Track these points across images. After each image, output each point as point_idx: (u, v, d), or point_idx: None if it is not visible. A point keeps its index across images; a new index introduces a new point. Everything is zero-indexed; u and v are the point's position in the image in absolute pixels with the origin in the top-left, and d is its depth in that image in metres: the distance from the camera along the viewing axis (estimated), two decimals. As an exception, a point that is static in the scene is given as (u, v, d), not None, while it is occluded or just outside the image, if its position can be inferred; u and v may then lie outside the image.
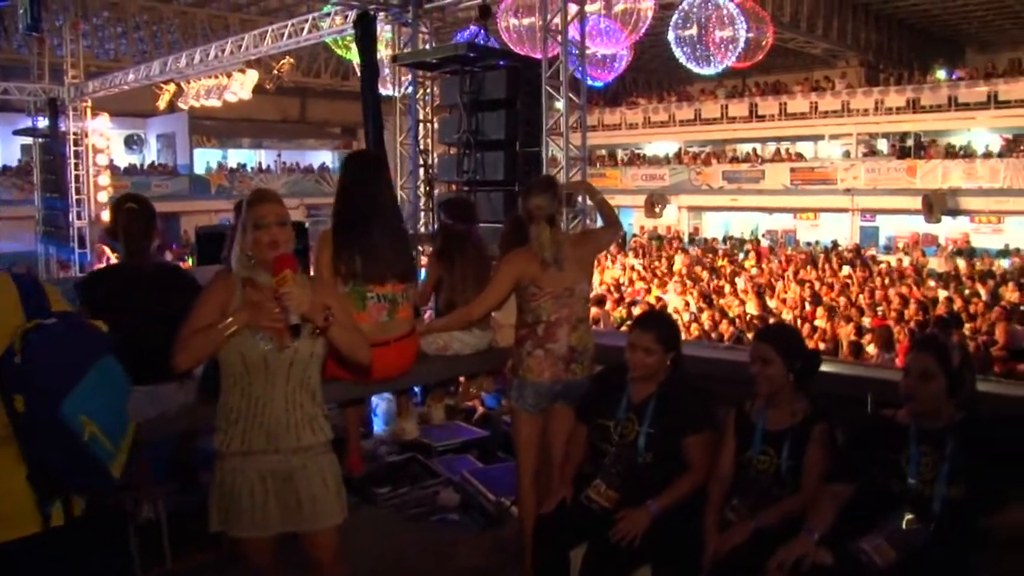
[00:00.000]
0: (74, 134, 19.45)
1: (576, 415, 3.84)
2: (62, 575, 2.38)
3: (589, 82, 17.07)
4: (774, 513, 3.21)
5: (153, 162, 33.38)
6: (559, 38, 9.17)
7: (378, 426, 6.03)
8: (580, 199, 9.18)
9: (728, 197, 29.39)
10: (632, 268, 21.56)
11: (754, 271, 20.21)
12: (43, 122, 20.01)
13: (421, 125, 11.21)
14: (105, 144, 20.54)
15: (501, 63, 9.44)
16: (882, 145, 28.32)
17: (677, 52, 15.32)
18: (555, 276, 3.87)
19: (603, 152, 33.94)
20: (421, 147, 11.22)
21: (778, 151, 29.99)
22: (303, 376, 2.86)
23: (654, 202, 29.82)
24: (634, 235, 30.06)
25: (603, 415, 3.68)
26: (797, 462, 3.25)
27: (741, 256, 23.70)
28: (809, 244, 27.15)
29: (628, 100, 33.76)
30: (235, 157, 35.74)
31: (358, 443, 4.34)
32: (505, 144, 9.44)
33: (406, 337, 4.03)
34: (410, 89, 11.23)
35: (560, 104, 9.28)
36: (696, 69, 15.70)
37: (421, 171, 11.18)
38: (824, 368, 3.61)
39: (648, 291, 17.92)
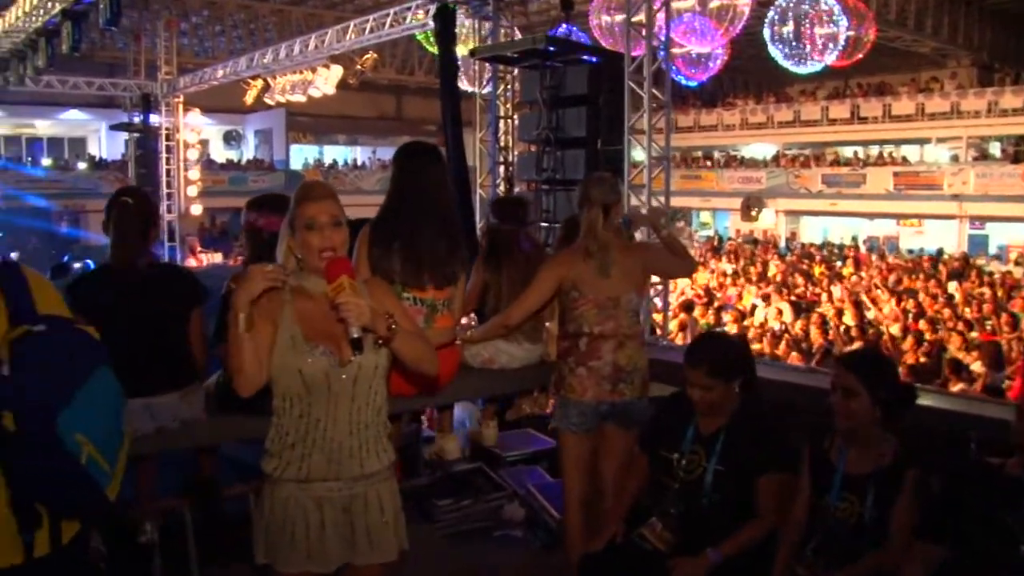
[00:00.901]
0: (166, 129, 19.84)
1: (638, 443, 3.44)
2: None
3: (683, 81, 16.61)
4: (853, 572, 2.75)
5: (251, 158, 33.93)
6: (644, 32, 8.70)
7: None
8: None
9: (827, 201, 28.30)
10: (724, 273, 20.86)
11: (853, 279, 19.28)
12: (139, 118, 20.34)
13: (502, 122, 10.88)
14: (196, 139, 20.87)
15: (583, 58, 9.04)
16: (994, 149, 26.84)
17: (773, 50, 14.64)
18: (599, 282, 3.56)
19: (699, 153, 33.19)
20: (501, 144, 10.89)
21: (881, 155, 28.75)
22: (368, 393, 2.55)
23: (750, 205, 29.01)
24: (729, 239, 29.22)
25: (667, 446, 3.27)
26: (882, 512, 2.77)
27: (839, 263, 22.67)
28: (912, 252, 25.86)
29: (725, 101, 32.88)
30: (331, 153, 36.18)
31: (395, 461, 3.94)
32: (586, 142, 9.08)
33: (445, 348, 3.65)
34: (490, 85, 10.89)
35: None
36: (792, 68, 14.99)
37: (501, 169, 10.85)
38: (921, 400, 3.11)
39: (740, 297, 17.28)
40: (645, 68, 8.64)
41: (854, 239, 28.39)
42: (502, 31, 10.76)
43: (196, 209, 22.18)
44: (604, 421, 3.66)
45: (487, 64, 10.74)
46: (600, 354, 3.58)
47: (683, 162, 31.66)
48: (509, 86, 10.86)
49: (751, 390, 3.21)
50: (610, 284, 3.59)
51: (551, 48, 8.80)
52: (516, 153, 10.94)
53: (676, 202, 30.55)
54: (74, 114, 29.12)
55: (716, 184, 30.70)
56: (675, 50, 15.25)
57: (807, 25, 14.40)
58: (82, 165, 28.03)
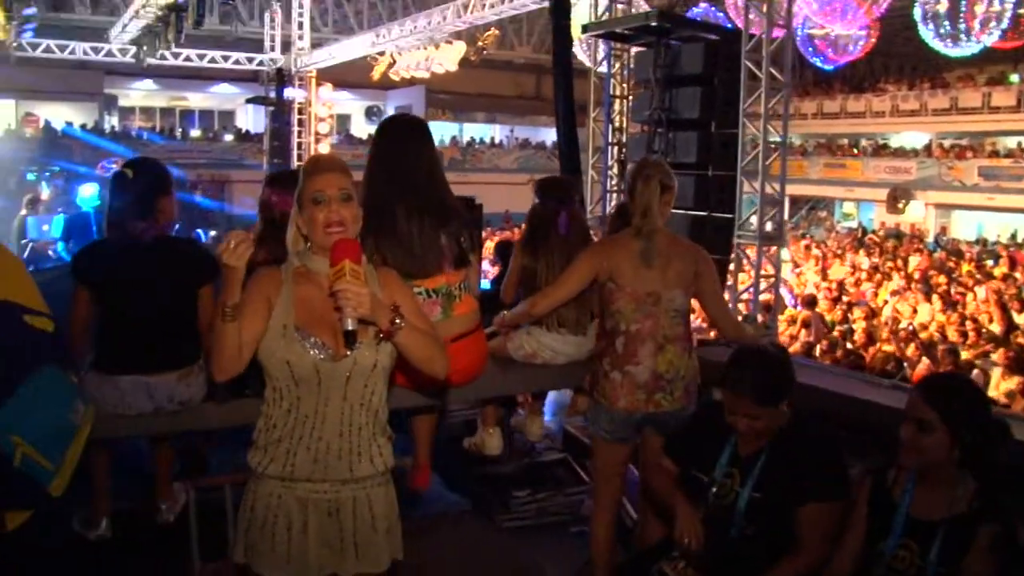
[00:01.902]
0: (299, 104, 20.24)
1: (664, 446, 3.08)
2: None
3: (819, 63, 15.71)
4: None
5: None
6: (765, 9, 8.14)
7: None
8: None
9: (983, 195, 26.42)
10: (860, 267, 19.71)
11: (1006, 281, 17.83)
12: (274, 92, 20.80)
13: (617, 102, 10.47)
14: (327, 113, 21.20)
15: (700, 35, 8.58)
16: None
17: (923, 29, 13.61)
18: (640, 273, 3.25)
19: (845, 141, 31.62)
20: (616, 125, 10.49)
21: (1049, 146, 26.66)
22: (363, 393, 2.32)
23: (897, 197, 27.46)
24: (872, 231, 27.74)
25: (698, 464, 2.88)
26: (950, 569, 2.30)
27: (990, 263, 21.07)
28: (1079, 253, 23.84)
29: (875, 86, 31.17)
30: (469, 131, 36.29)
31: (428, 456, 3.72)
32: (699, 124, 8.75)
33: (469, 335, 3.36)
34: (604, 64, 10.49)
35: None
36: (944, 49, 13.91)
37: (614, 151, 10.46)
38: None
39: (876, 293, 16.25)
40: (764, 47, 8.09)
41: (1012, 237, 26.45)
42: (618, 7, 10.31)
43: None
44: (639, 429, 3.37)
45: (601, 42, 10.35)
46: (638, 357, 3.26)
47: (827, 149, 30.26)
48: (625, 65, 10.43)
49: (799, 409, 2.78)
50: (652, 277, 3.27)
51: (664, 25, 8.37)
52: (629, 134, 10.52)
53: (817, 191, 29.76)
54: (224, 87, 30.22)
55: (862, 173, 29.15)
56: (814, 31, 14.44)
57: (965, 1, 13.31)
58: (228, 137, 29.07)
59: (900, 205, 27.59)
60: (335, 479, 2.30)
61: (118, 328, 3.09)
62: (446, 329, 3.25)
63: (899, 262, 20.41)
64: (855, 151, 31.11)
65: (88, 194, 9.98)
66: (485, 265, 11.18)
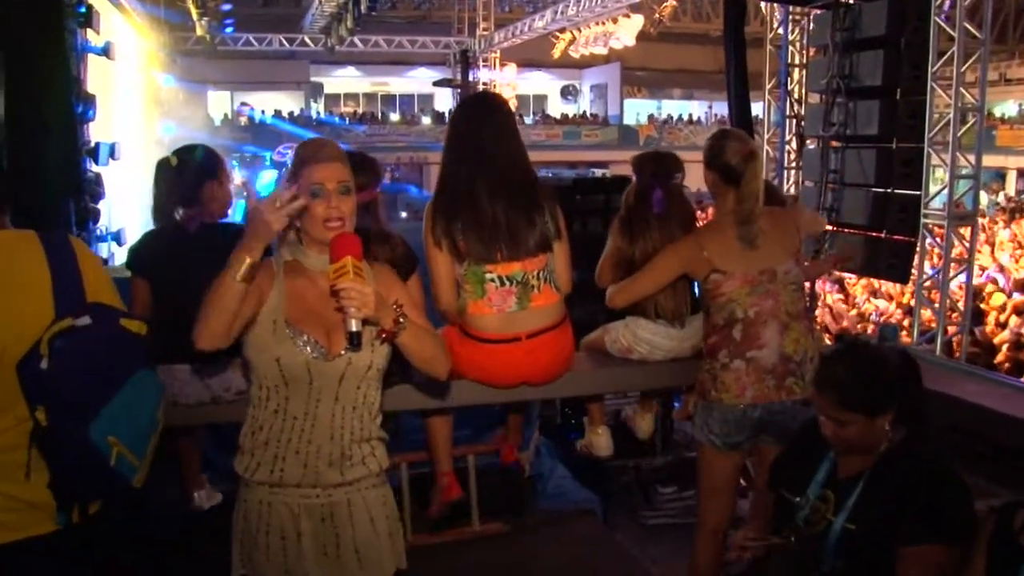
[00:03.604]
0: (484, 84, 20.37)
1: (768, 477, 2.67)
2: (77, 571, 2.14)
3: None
4: None
5: (585, 112, 34.26)
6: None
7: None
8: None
9: None
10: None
11: None
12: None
13: (796, 71, 9.75)
14: (512, 93, 21.27)
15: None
16: None
17: None
18: (745, 255, 2.92)
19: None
20: (795, 96, 9.79)
21: None
22: (356, 395, 2.16)
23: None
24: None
25: (789, 485, 2.47)
26: None
27: None
28: None
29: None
30: (667, 108, 35.58)
31: (449, 460, 3.51)
32: (882, 92, 8.01)
33: (551, 330, 3.07)
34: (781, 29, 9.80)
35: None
36: None
37: (793, 123, 9.78)
38: None
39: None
40: (958, 1, 7.23)
41: None
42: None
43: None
44: (755, 435, 2.99)
45: (778, 6, 9.67)
46: (762, 341, 2.91)
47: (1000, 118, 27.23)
48: (805, 31, 9.69)
49: (918, 427, 2.31)
50: (760, 255, 2.93)
51: (843, -18, 7.68)
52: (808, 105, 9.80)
53: (1011, 162, 26.70)
54: (422, 72, 30.97)
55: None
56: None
57: None
58: (426, 120, 29.86)
59: None
60: (326, 484, 2.15)
61: (170, 318, 3.05)
62: (522, 322, 3.01)
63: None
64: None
65: (267, 180, 10.39)
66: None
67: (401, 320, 2.05)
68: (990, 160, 18.39)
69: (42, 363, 1.88)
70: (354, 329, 1.96)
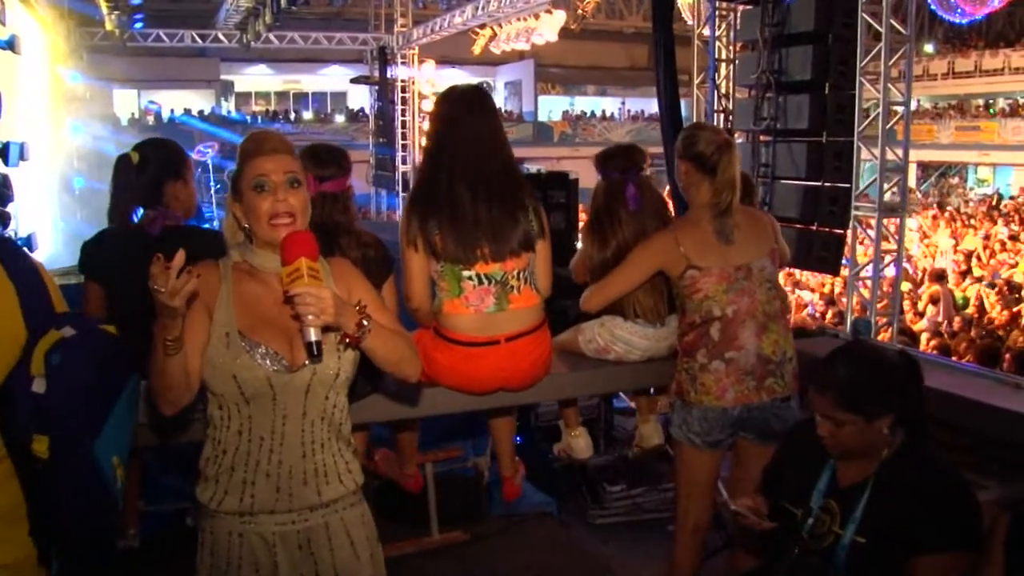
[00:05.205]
0: (402, 81, 20.16)
1: (760, 487, 2.57)
2: None
3: (955, 19, 14.57)
4: None
5: (500, 109, 34.21)
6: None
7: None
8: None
9: None
10: (996, 237, 18.30)
11: None
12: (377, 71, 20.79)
13: (723, 66, 9.85)
14: (432, 91, 21.07)
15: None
16: None
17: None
18: (721, 250, 2.87)
19: (980, 101, 29.64)
20: (722, 92, 9.89)
21: None
22: (324, 406, 1.98)
23: (1038, 160, 25.58)
24: (1011, 197, 25.91)
25: (790, 495, 2.38)
26: None
27: None
28: None
29: (1016, 41, 29.05)
30: (580, 105, 35.72)
31: (513, 463, 3.52)
32: (812, 86, 8.16)
33: (530, 334, 2.95)
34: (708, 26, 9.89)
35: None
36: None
37: (721, 118, 9.88)
38: None
39: (1014, 265, 15.00)
40: (884, -3, 7.39)
41: None
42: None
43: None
44: (734, 433, 2.95)
45: (705, 1, 9.76)
46: (740, 341, 2.86)
47: (959, 111, 28.38)
48: (732, 25, 9.81)
49: (919, 429, 2.25)
50: (735, 251, 2.88)
51: (772, -23, 7.77)
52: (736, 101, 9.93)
53: (949, 156, 27.95)
54: (335, 69, 30.47)
55: (998, 136, 27.18)
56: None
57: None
58: (340, 119, 29.41)
59: (1042, 169, 25.74)
60: (301, 507, 1.97)
61: (126, 326, 2.82)
62: (501, 324, 2.89)
63: (1042, 231, 18.92)
64: (991, 112, 29.14)
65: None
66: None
67: (365, 323, 1.87)
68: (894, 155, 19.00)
69: (35, 386, 1.67)
70: (313, 339, 1.78)
